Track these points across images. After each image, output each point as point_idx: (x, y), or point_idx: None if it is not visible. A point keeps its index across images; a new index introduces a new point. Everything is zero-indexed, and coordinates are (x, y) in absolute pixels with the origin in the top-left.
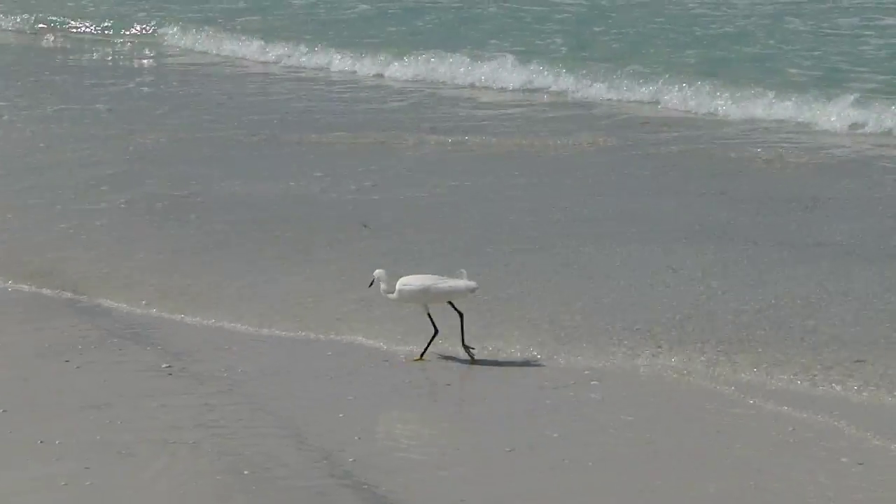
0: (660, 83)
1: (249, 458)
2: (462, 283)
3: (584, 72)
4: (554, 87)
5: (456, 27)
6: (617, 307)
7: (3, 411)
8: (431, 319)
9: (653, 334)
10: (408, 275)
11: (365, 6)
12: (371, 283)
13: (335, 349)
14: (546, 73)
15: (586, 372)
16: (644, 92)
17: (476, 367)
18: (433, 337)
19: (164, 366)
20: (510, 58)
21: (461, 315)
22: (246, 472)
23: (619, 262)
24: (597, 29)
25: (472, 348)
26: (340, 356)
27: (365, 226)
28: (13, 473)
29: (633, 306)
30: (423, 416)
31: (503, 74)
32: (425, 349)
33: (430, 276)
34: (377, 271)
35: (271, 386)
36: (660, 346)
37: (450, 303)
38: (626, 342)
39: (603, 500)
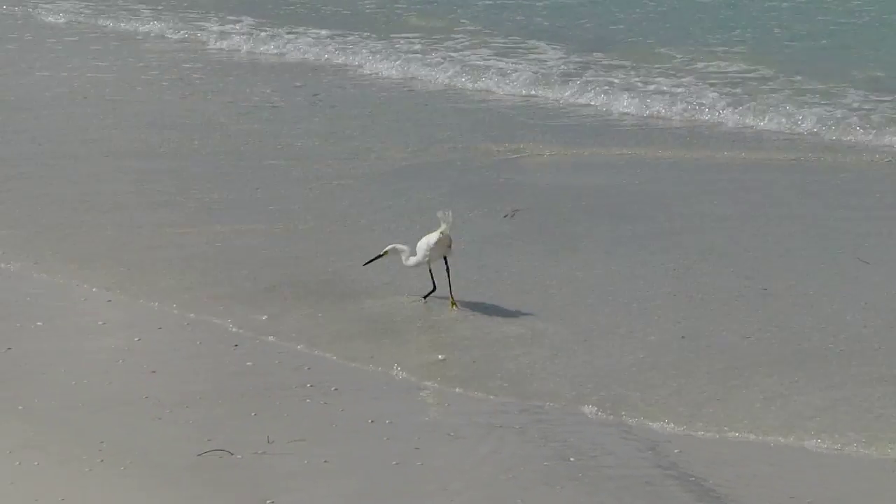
0: None
1: (575, 445)
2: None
3: None
4: None
5: None
6: None
7: (335, 389)
8: (432, 276)
9: None
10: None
11: None
12: (370, 261)
13: None
14: None
15: None
16: None
17: None
18: (431, 292)
19: None
20: None
21: (448, 270)
22: (572, 459)
23: None
24: None
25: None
26: None
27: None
28: (344, 448)
29: None
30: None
31: None
32: (427, 294)
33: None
34: (392, 245)
35: None
36: None
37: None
38: None
39: None
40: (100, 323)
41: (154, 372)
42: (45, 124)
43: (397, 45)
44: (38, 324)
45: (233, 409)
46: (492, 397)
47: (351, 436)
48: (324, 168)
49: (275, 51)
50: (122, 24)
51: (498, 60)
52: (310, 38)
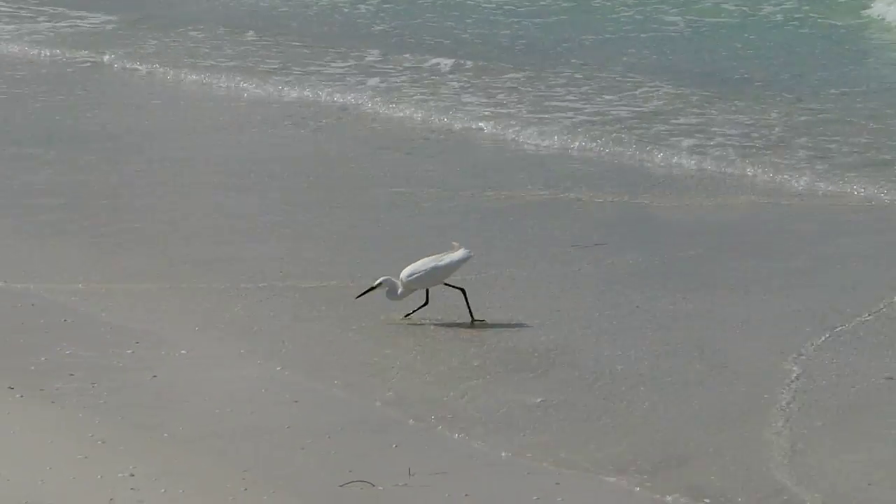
0: None
1: None
2: (459, 253)
3: None
4: None
5: None
6: None
7: (476, 422)
8: (427, 294)
9: None
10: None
11: None
12: (364, 293)
13: None
14: None
15: None
16: None
17: None
18: (422, 307)
19: None
20: None
21: (463, 291)
22: None
23: None
24: None
25: (481, 320)
26: None
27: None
28: (484, 482)
29: None
30: None
31: None
32: (413, 312)
33: (427, 259)
34: (382, 278)
35: None
36: None
37: (447, 284)
38: None
39: None
40: (241, 352)
41: (296, 402)
42: None
43: None
44: (182, 352)
45: (374, 440)
46: None
47: (490, 469)
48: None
49: None
50: None
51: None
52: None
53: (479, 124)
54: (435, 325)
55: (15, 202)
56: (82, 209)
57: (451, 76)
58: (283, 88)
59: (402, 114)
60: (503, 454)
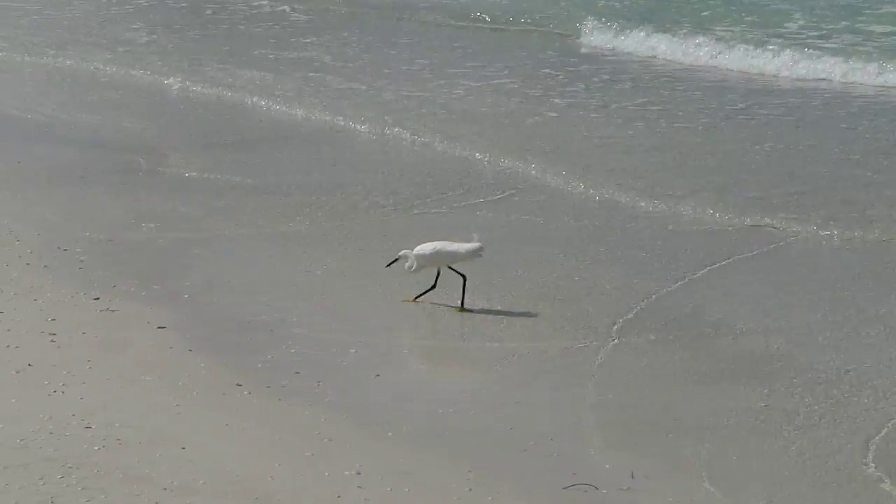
0: None
1: None
2: (468, 245)
3: None
4: None
5: None
6: None
7: (704, 425)
8: (436, 278)
9: None
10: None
11: None
12: (390, 263)
13: None
14: None
15: None
16: None
17: None
18: (429, 290)
19: None
20: None
21: (464, 278)
22: None
23: None
24: None
25: (471, 310)
26: None
27: None
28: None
29: None
30: None
31: None
32: (421, 294)
33: (440, 241)
34: (403, 251)
35: None
36: None
37: (451, 268)
38: None
39: None
40: (464, 353)
41: (518, 403)
42: None
43: None
44: (405, 352)
45: (596, 443)
46: None
47: (718, 475)
48: None
49: None
50: None
51: None
52: None
53: None
54: (655, 336)
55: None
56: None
57: None
58: None
59: None
60: (734, 458)
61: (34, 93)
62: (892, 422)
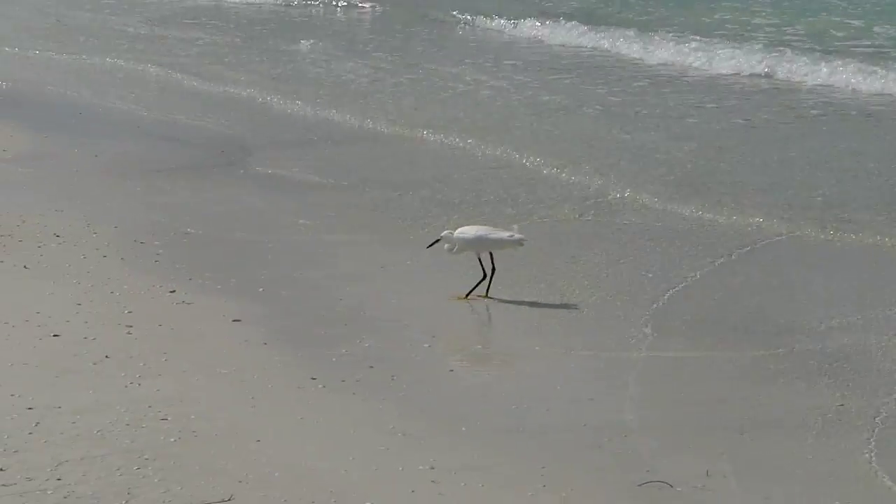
0: None
1: None
2: (511, 234)
3: None
4: None
5: None
6: None
7: (773, 425)
8: (481, 264)
9: None
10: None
11: None
12: (431, 244)
13: None
14: None
15: None
16: None
17: None
18: (482, 281)
19: None
20: None
21: (493, 270)
22: None
23: None
24: None
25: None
26: None
27: None
28: (788, 486)
29: None
30: None
31: None
32: (470, 290)
33: (483, 226)
34: (444, 232)
35: None
36: None
37: (491, 256)
38: None
39: None
40: (536, 348)
41: (591, 400)
42: None
43: None
44: (478, 347)
45: (670, 440)
46: None
47: (792, 474)
48: None
49: None
50: None
51: None
52: None
53: None
54: (728, 335)
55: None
56: None
57: None
58: None
59: None
60: (809, 456)
61: (118, 89)
62: None
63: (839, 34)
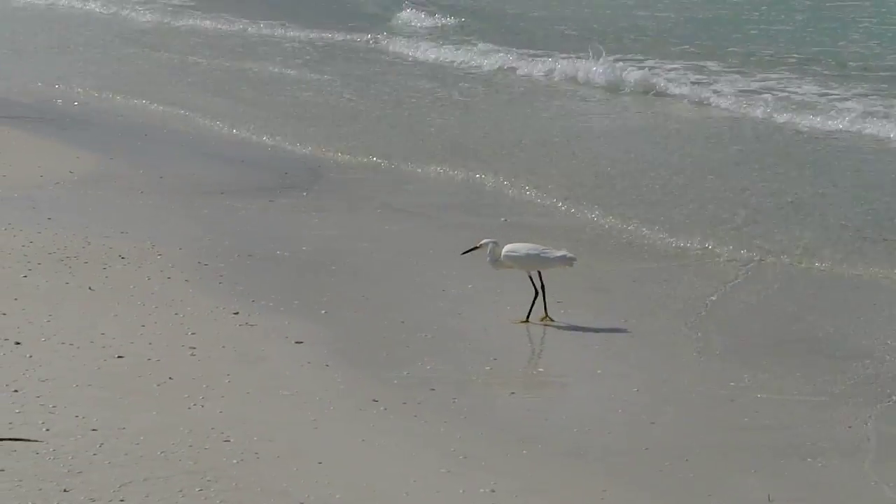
0: None
1: None
2: (561, 254)
3: None
4: None
5: None
6: None
7: (828, 451)
8: (532, 282)
9: None
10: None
11: None
12: (468, 251)
13: None
14: None
15: None
16: None
17: None
18: (536, 297)
19: None
20: None
21: (543, 287)
22: None
23: None
24: None
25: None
26: None
27: None
28: None
29: None
30: None
31: None
32: (529, 312)
33: (534, 245)
34: (485, 240)
35: None
36: None
37: (539, 275)
38: None
39: None
40: (598, 372)
41: (653, 424)
42: None
43: None
44: (540, 370)
45: (733, 464)
46: None
47: (856, 499)
48: None
49: None
50: None
51: None
52: None
53: None
54: (791, 360)
55: None
56: None
57: None
58: None
59: None
60: (872, 483)
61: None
62: None
63: None
